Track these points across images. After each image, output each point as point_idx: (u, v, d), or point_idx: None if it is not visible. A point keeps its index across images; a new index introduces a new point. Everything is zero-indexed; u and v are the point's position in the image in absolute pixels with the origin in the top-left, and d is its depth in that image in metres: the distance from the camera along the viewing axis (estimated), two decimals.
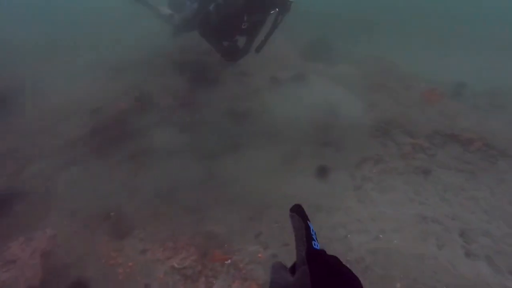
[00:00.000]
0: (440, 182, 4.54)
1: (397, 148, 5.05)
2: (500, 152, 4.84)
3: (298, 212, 0.92)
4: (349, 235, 3.97)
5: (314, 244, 0.86)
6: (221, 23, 4.91)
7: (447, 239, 3.88)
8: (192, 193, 4.62)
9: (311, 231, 0.87)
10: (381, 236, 3.94)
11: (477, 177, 4.59)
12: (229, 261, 3.66)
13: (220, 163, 5.07)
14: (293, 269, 0.90)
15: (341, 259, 0.91)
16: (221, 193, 4.63)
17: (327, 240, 3.93)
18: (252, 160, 5.08)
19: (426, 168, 4.70)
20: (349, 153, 5.05)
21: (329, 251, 0.92)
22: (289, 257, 3.68)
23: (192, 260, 3.28)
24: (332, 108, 5.77)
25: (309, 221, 0.89)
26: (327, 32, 9.23)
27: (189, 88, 6.38)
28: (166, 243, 3.56)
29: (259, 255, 3.74)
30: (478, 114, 5.87)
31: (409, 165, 4.81)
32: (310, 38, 9.06)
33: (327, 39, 8.72)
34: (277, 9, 4.76)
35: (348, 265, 0.92)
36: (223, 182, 4.78)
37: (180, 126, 5.81)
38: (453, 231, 3.95)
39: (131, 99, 5.89)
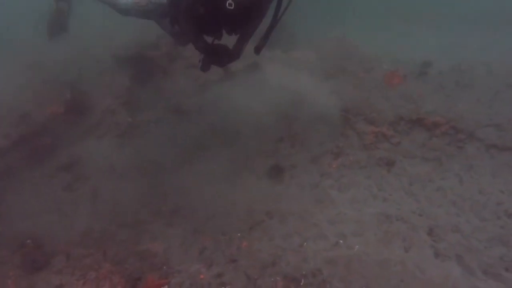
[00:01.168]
0: (405, 174, 4.12)
1: (358, 138, 4.60)
2: (468, 135, 4.44)
3: None
4: (305, 243, 3.50)
5: None
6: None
7: (414, 239, 3.46)
8: (129, 207, 4.05)
9: None
10: (341, 241, 3.49)
11: (444, 165, 4.19)
12: (166, 287, 3.12)
13: (162, 170, 4.51)
14: None
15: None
16: (162, 204, 4.09)
17: (280, 251, 3.44)
18: (198, 165, 4.54)
19: (390, 159, 4.27)
20: (305, 148, 4.57)
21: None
22: (236, 275, 3.19)
23: None
24: (288, 98, 5.26)
25: None
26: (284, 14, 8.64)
27: (131, 86, 5.74)
28: (88, 272, 3.00)
29: (201, 276, 3.22)
30: (444, 95, 5.46)
31: (372, 156, 4.37)
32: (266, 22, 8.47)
33: (285, 22, 8.15)
34: None
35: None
36: (165, 191, 4.23)
37: (120, 129, 5.19)
38: (420, 229, 3.53)
39: (63, 101, 5.21)
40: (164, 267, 3.33)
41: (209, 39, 3.40)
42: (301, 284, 3.10)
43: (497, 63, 6.76)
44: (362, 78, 5.68)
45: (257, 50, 3.45)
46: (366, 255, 3.32)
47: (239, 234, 3.68)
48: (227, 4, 2.89)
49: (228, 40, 3.37)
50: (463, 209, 3.64)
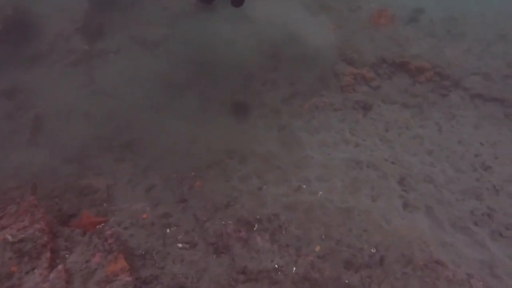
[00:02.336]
0: (382, 120, 3.77)
1: (335, 80, 4.18)
2: (454, 83, 4.09)
3: None
4: (264, 186, 3.17)
5: None
6: None
7: (383, 188, 3.17)
8: (77, 140, 3.62)
9: None
10: (304, 186, 3.17)
11: (424, 113, 3.86)
12: (103, 225, 2.78)
13: (117, 103, 4.04)
14: None
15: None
16: (114, 138, 3.66)
17: (237, 193, 3.11)
18: (158, 99, 4.08)
19: (368, 103, 3.89)
20: (277, 87, 4.14)
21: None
22: (184, 216, 2.85)
23: (37, 229, 2.39)
24: (266, 34, 4.74)
25: None
26: None
27: (90, 9, 5.08)
28: (8, 206, 2.62)
29: (144, 215, 2.88)
30: (433, 41, 5.03)
31: (348, 99, 3.98)
32: None
33: None
34: None
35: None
36: (119, 125, 3.79)
37: (74, 57, 4.62)
38: (391, 178, 3.24)
39: (2, 17, 4.55)
40: (105, 204, 2.97)
41: None
42: (254, 229, 2.80)
43: (492, 13, 6.31)
44: (347, 17, 5.16)
45: None
46: (330, 202, 3.02)
47: (193, 173, 3.32)
48: None
49: None
50: (439, 159, 3.35)
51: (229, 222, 2.87)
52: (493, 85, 4.02)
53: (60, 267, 2.22)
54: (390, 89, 4.10)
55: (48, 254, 2.29)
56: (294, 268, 2.53)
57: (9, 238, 2.31)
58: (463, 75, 4.17)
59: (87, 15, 5.11)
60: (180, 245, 2.75)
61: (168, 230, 2.83)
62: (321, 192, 3.11)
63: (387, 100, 3.98)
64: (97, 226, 2.75)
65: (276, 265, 2.54)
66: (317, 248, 2.72)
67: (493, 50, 5.39)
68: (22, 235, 2.32)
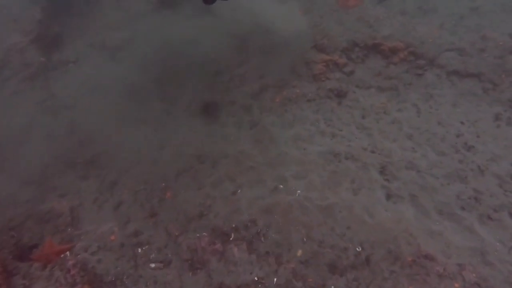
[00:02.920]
0: (358, 106, 3.59)
1: (307, 69, 3.98)
2: (429, 62, 3.93)
3: None
4: (238, 190, 2.98)
5: None
6: None
7: (364, 179, 3.00)
8: (36, 160, 3.37)
9: None
10: (280, 186, 2.99)
11: (401, 95, 3.69)
12: (68, 253, 2.56)
13: (78, 115, 3.79)
14: None
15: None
16: (76, 154, 3.42)
17: (210, 200, 2.92)
18: (122, 107, 3.84)
19: (342, 90, 3.72)
20: (246, 81, 3.93)
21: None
22: (156, 231, 2.65)
23: None
24: (229, 26, 4.51)
25: None
26: None
27: (43, 18, 4.77)
28: None
29: (112, 237, 2.67)
30: (404, 19, 4.85)
31: (321, 88, 3.80)
32: None
33: None
34: None
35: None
36: (81, 140, 3.55)
37: (30, 71, 4.32)
38: (371, 168, 3.07)
39: None
40: (69, 229, 2.75)
41: None
42: (231, 239, 2.61)
43: None
44: (314, 1, 4.95)
45: None
46: (309, 201, 2.85)
47: (163, 184, 3.11)
48: None
49: None
50: (420, 143, 3.20)
51: (204, 233, 2.68)
52: (469, 60, 3.88)
53: None
54: (364, 74, 3.92)
55: None
56: (275, 279, 2.36)
57: None
58: (438, 52, 4.02)
59: (42, 25, 4.81)
60: (152, 265, 2.55)
61: (139, 250, 2.63)
62: (299, 191, 2.94)
63: (361, 85, 3.81)
64: (62, 255, 2.53)
65: (255, 278, 2.37)
66: (299, 253, 2.55)
67: (466, 24, 5.23)
68: None
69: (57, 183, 3.21)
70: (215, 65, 4.18)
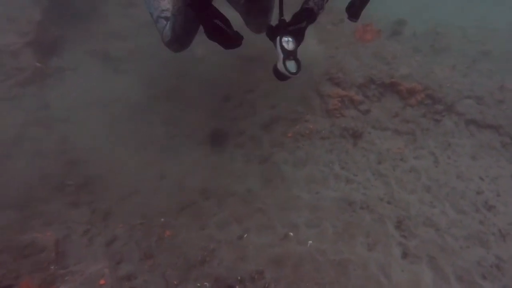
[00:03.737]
0: (374, 150, 3.41)
1: (321, 102, 3.79)
2: (447, 107, 3.79)
3: None
4: (245, 235, 2.73)
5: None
6: None
7: (380, 233, 2.80)
8: (20, 180, 3.06)
9: None
10: (291, 234, 2.76)
11: (418, 141, 3.54)
12: None
13: (72, 130, 3.51)
14: None
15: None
16: (66, 176, 3.13)
17: (214, 244, 2.66)
18: (121, 126, 3.57)
19: (357, 130, 3.54)
20: (256, 110, 3.71)
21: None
22: (152, 277, 2.37)
23: None
24: (240, 48, 4.28)
25: None
26: None
27: (43, 20, 4.47)
28: None
29: (102, 281, 2.38)
30: (420, 58, 4.74)
31: (336, 125, 3.61)
32: None
33: None
34: None
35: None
36: (72, 159, 3.26)
37: (23, 76, 4.01)
38: (388, 221, 2.87)
39: None
40: (52, 267, 2.44)
41: None
42: None
43: (473, 28, 6.15)
44: (329, 31, 4.80)
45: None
46: (321, 254, 2.62)
47: (162, 219, 2.84)
48: None
49: None
50: (438, 198, 3.02)
51: (205, 283, 2.41)
52: (486, 110, 3.76)
53: None
54: (380, 114, 3.75)
55: None
56: None
57: None
58: (455, 98, 3.88)
59: (40, 27, 4.49)
60: None
61: None
62: (310, 241, 2.71)
63: (378, 126, 3.64)
64: None
65: None
66: None
67: (478, 68, 5.17)
68: None
69: (43, 209, 2.90)
70: (224, 88, 3.95)
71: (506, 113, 3.71)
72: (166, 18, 3.14)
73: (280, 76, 2.30)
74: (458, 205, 2.97)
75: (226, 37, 2.27)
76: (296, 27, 2.30)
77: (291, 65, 2.20)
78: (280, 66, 2.20)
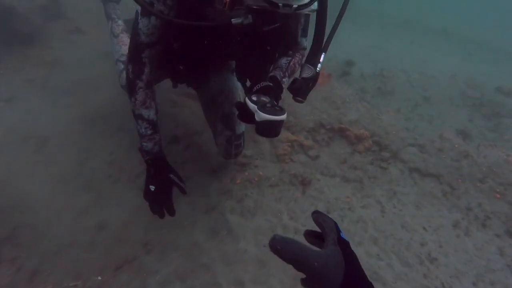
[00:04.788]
0: (323, 198, 3.40)
1: (271, 147, 3.75)
2: (392, 155, 3.90)
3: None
4: None
5: (342, 235, 0.94)
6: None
7: None
8: None
9: (338, 226, 0.94)
10: None
11: (365, 189, 3.58)
12: None
13: (2, 169, 3.17)
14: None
15: None
16: None
17: None
18: (58, 166, 3.29)
19: (306, 177, 3.52)
20: (203, 153, 3.59)
21: None
22: None
23: None
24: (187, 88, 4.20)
25: None
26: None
27: None
28: None
29: None
30: (368, 102, 4.93)
31: (285, 171, 3.57)
32: None
33: None
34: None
35: None
36: (0, 202, 2.93)
37: None
38: None
39: None
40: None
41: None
42: None
43: (415, 74, 6.55)
44: None
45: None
46: None
47: (99, 277, 2.60)
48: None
49: None
50: (385, 250, 3.04)
51: None
52: (428, 158, 3.91)
53: None
54: (329, 159, 3.78)
55: None
56: None
57: None
58: (399, 145, 4.02)
59: None
60: None
61: None
62: None
63: (326, 172, 3.65)
64: None
65: None
66: None
67: (420, 113, 5.46)
68: None
69: None
70: (172, 128, 3.81)
71: (445, 162, 3.88)
72: (124, 63, 3.06)
73: (266, 127, 1.90)
74: (404, 257, 2.99)
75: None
76: (262, 85, 2.07)
77: (270, 110, 1.86)
78: (258, 116, 1.87)
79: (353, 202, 3.40)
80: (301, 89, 2.18)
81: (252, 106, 1.95)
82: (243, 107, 2.04)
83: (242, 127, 2.92)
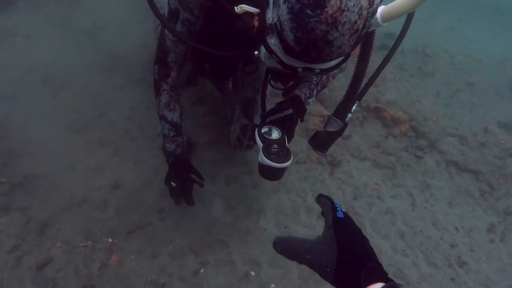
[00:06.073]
0: (351, 182, 3.17)
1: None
2: (430, 144, 3.61)
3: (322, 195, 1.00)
4: (202, 270, 2.41)
5: (338, 214, 0.93)
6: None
7: None
8: None
9: (336, 204, 0.96)
10: (252, 273, 2.48)
11: (397, 177, 3.33)
12: None
13: (18, 114, 3.00)
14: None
15: None
16: (2, 169, 2.65)
17: (165, 277, 2.32)
18: (75, 119, 3.10)
19: (335, 158, 3.26)
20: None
21: None
22: None
23: None
24: None
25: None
26: None
27: None
28: None
29: None
30: (407, 82, 4.55)
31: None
32: None
33: None
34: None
35: None
36: (11, 147, 2.78)
37: None
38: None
39: None
40: None
41: None
42: None
43: (460, 56, 6.06)
44: None
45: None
46: None
47: (110, 240, 2.46)
48: None
49: None
50: (412, 246, 2.83)
51: None
52: (468, 152, 3.61)
53: None
54: (361, 141, 3.51)
55: None
56: None
57: None
58: (439, 134, 3.71)
59: None
60: None
61: None
62: (273, 285, 2.43)
63: (357, 154, 3.40)
64: None
65: None
66: None
67: (461, 99, 5.07)
68: None
69: None
70: (199, 91, 3.55)
71: (487, 158, 3.58)
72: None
73: (267, 172, 1.76)
74: (431, 256, 2.79)
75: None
76: (279, 116, 1.85)
77: (274, 156, 1.68)
78: (260, 158, 1.69)
79: (383, 190, 3.16)
80: (323, 143, 1.93)
81: (258, 143, 1.75)
82: (253, 132, 1.82)
83: (259, 118, 2.64)
